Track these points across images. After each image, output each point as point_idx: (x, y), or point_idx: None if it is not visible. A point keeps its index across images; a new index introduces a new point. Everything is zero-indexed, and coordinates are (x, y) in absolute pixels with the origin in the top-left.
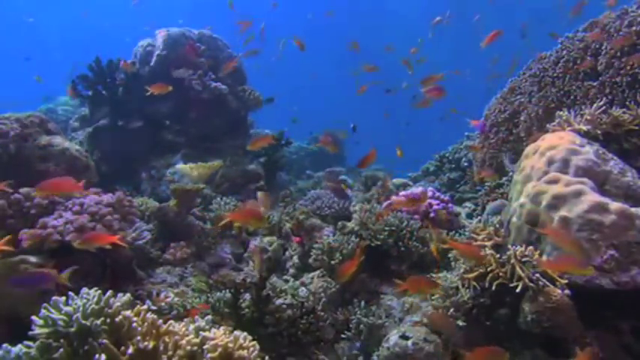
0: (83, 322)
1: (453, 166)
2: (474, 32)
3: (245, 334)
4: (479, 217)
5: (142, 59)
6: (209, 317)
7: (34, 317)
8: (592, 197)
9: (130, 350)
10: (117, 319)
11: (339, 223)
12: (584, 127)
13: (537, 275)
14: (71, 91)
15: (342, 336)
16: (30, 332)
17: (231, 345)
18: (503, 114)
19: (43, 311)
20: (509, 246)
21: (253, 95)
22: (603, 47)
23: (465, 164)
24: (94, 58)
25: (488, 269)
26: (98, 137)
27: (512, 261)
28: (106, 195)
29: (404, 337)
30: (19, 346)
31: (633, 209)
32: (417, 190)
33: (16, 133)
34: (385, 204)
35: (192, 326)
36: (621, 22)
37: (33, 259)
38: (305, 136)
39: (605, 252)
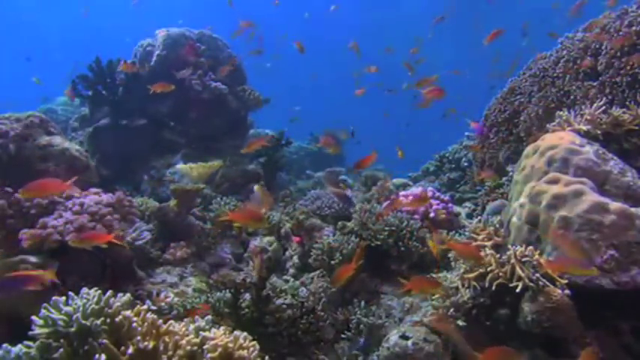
0: (83, 322)
1: (453, 166)
2: (474, 32)
3: (245, 334)
4: (479, 217)
5: (142, 59)
6: (209, 317)
7: (34, 317)
8: (592, 197)
9: (130, 350)
10: (117, 319)
11: (339, 223)
12: (584, 127)
13: (537, 275)
14: (69, 93)
15: (342, 336)
16: (30, 332)
17: (231, 345)
18: (503, 114)
19: (43, 311)
20: (509, 246)
21: (253, 95)
22: (603, 47)
23: (465, 164)
24: (94, 58)
25: (488, 269)
26: (98, 137)
27: (512, 261)
28: (106, 195)
29: (404, 337)
30: (19, 346)
31: (633, 209)
32: (417, 190)
33: (16, 133)
34: (385, 204)
35: (192, 326)
36: (621, 22)
37: (33, 259)
38: (305, 136)
39: (605, 252)
